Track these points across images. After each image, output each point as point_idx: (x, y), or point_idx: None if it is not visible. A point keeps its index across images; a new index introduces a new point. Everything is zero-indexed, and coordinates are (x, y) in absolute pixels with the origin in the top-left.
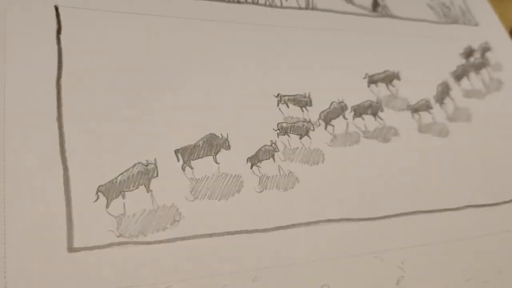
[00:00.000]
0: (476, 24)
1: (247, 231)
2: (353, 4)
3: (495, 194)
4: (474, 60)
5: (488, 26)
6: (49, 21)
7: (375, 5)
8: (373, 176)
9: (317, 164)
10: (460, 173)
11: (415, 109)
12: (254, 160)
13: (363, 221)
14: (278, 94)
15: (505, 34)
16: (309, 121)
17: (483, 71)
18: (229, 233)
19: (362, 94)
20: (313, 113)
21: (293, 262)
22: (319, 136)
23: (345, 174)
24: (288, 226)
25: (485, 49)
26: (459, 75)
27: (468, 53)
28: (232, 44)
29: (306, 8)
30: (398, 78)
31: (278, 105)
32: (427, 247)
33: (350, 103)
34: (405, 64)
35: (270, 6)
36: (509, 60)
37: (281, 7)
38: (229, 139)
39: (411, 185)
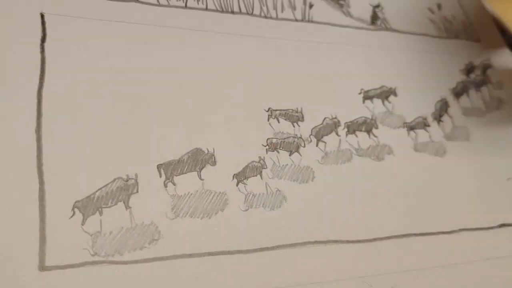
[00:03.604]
0: (478, 40)
1: (229, 252)
2: (351, 17)
3: (492, 217)
4: (474, 77)
5: (490, 43)
6: (33, 29)
7: (374, 18)
8: (364, 196)
9: (306, 182)
10: (455, 194)
11: (411, 127)
12: (240, 177)
13: (352, 243)
14: (269, 109)
15: (507, 51)
16: (300, 137)
17: (484, 89)
18: (210, 253)
19: (356, 110)
20: (304, 129)
21: (277, 285)
22: (310, 153)
23: (335, 193)
24: (272, 248)
25: (487, 66)
26: (458, 92)
27: (469, 69)
28: (224, 55)
29: (302, 20)
30: (395, 94)
31: (268, 119)
32: (419, 272)
33: (344, 119)
34: (403, 80)
35: (265, 17)
36: (510, 78)
37: (277, 18)
38: (215, 154)
39: (404, 206)
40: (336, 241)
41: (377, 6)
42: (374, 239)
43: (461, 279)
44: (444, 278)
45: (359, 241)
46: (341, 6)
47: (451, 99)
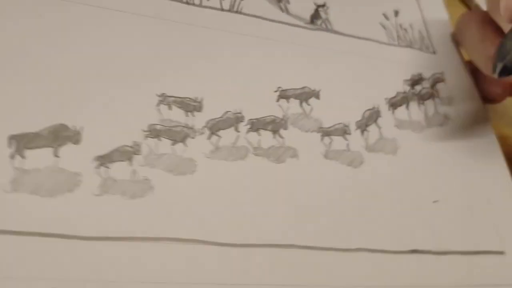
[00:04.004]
0: (434, 52)
1: (63, 236)
2: (288, 13)
3: (403, 241)
4: (421, 89)
5: (446, 56)
6: None
7: (315, 17)
8: (249, 198)
9: (184, 174)
10: (364, 210)
11: (327, 132)
12: (104, 159)
13: (219, 246)
14: (162, 94)
15: (463, 67)
16: (192, 128)
17: (429, 102)
18: (40, 234)
19: (267, 108)
20: (200, 120)
21: (114, 279)
22: (198, 145)
23: (215, 191)
24: (120, 239)
25: (438, 79)
26: (396, 103)
27: (416, 80)
28: (123, 35)
29: (230, 10)
30: (317, 97)
31: (158, 105)
32: None
33: (249, 115)
34: (333, 83)
35: (187, 3)
36: (462, 95)
37: (200, 5)
38: (83, 133)
39: (294, 215)
40: (198, 241)
41: (322, 5)
42: (248, 245)
43: None
44: None
45: (228, 245)
46: (279, 0)
47: (385, 109)
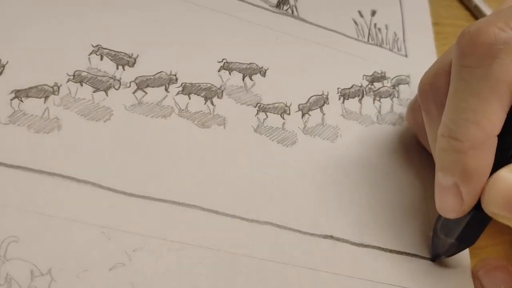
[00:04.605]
0: (406, 56)
1: None
2: None
3: (320, 225)
4: (380, 87)
5: (417, 61)
6: None
7: (282, 2)
8: (158, 153)
9: (96, 121)
10: (286, 190)
11: (264, 108)
12: (20, 93)
13: (112, 192)
14: (97, 45)
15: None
16: (118, 80)
17: (386, 100)
18: None
19: (206, 76)
20: (130, 75)
21: (5, 203)
22: (120, 97)
23: (125, 142)
24: (13, 166)
25: (402, 81)
26: (348, 94)
27: (377, 78)
28: None
29: None
30: (263, 75)
31: (90, 54)
32: (183, 246)
33: (185, 80)
34: (283, 65)
35: None
36: None
37: None
38: (6, 66)
39: (199, 176)
40: (91, 183)
41: None
42: (145, 197)
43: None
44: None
45: (122, 192)
46: None
47: (335, 98)
